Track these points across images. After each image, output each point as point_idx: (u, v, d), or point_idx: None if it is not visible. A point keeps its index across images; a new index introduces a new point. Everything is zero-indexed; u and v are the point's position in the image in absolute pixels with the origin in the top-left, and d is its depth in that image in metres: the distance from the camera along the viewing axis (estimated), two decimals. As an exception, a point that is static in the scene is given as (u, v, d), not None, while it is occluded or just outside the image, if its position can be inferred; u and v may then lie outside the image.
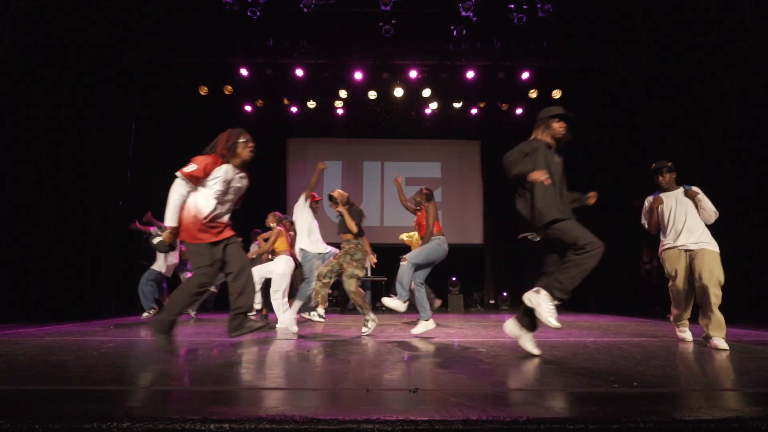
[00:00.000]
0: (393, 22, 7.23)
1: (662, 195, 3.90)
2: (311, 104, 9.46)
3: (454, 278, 9.69)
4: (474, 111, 10.01)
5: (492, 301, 10.45)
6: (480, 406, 1.70)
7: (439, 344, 3.69)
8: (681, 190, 3.84)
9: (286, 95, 9.47)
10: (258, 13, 6.78)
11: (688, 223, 3.69)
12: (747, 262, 5.83)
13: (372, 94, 9.18)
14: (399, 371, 2.46)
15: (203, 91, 8.82)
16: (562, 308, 10.36)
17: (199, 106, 9.47)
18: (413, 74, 8.71)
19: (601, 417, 1.51)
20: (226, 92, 8.93)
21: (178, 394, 1.94)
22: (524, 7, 6.93)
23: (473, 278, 10.34)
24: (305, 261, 5.14)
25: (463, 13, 6.78)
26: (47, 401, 1.78)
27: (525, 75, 8.73)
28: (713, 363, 2.76)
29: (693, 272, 3.58)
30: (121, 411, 1.58)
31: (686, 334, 3.85)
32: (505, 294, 10.08)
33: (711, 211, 3.72)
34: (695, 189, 3.79)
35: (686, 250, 3.66)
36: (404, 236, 6.68)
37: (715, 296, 3.40)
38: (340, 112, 9.96)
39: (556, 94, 9.08)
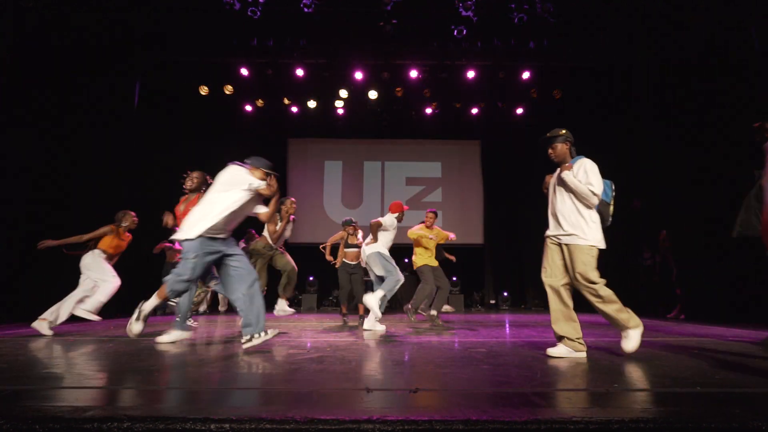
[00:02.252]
0: (393, 21, 7.22)
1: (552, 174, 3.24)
2: (312, 104, 9.47)
3: (454, 278, 9.69)
4: (474, 111, 10.01)
5: (492, 301, 10.45)
6: (480, 406, 1.70)
7: (439, 344, 3.69)
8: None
9: (286, 95, 9.47)
10: (258, 13, 6.78)
11: (560, 208, 3.04)
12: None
13: (372, 94, 9.19)
14: (399, 371, 2.46)
15: (203, 91, 8.83)
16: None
17: (200, 106, 9.48)
18: (413, 74, 8.71)
19: (601, 417, 1.51)
20: (227, 92, 8.94)
21: (178, 394, 1.94)
22: (524, 6, 6.93)
23: (473, 278, 10.34)
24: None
25: (463, 13, 6.78)
26: (47, 401, 1.78)
27: (525, 75, 8.73)
28: (712, 363, 2.75)
29: (567, 269, 2.99)
30: (121, 411, 1.58)
31: (580, 354, 2.94)
32: (505, 294, 10.07)
33: (584, 193, 2.92)
34: (567, 165, 3.07)
35: (558, 243, 3.04)
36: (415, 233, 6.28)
37: (593, 296, 2.89)
38: (340, 112, 9.96)
39: (557, 94, 9.08)
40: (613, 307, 2.90)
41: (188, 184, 4.32)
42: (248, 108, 9.81)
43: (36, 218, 6.02)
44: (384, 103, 9.67)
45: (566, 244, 2.98)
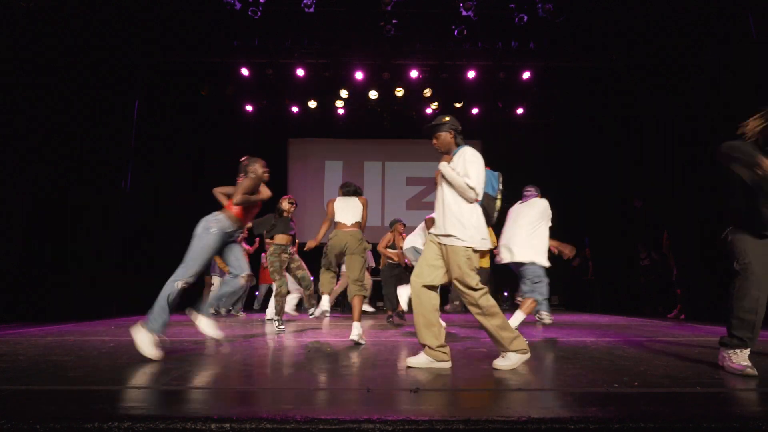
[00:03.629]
0: (394, 21, 7.22)
1: None
2: (312, 104, 9.47)
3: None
4: (475, 111, 10.01)
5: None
6: (480, 406, 1.70)
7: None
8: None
9: (286, 95, 9.48)
10: (259, 13, 6.78)
11: (441, 204, 2.71)
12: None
13: (373, 94, 9.19)
14: (399, 371, 2.46)
15: (204, 91, 8.83)
16: (562, 308, 10.40)
17: (200, 106, 9.49)
18: (414, 74, 8.71)
19: (601, 417, 1.51)
20: (229, 93, 8.96)
21: (178, 394, 1.94)
22: (525, 7, 6.93)
23: (473, 278, 10.32)
24: None
25: (464, 13, 6.78)
26: (48, 401, 1.78)
27: (526, 75, 8.72)
28: (712, 363, 2.75)
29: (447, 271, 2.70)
30: (122, 411, 1.58)
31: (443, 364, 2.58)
32: (505, 294, 10.07)
33: (461, 186, 2.59)
34: (447, 156, 2.76)
35: (438, 243, 2.70)
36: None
37: (471, 305, 2.57)
38: (340, 112, 9.96)
39: (557, 94, 9.09)
40: (493, 321, 2.50)
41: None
42: (249, 108, 9.82)
43: (36, 218, 6.03)
44: (384, 103, 9.67)
45: (444, 245, 2.63)
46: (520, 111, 9.95)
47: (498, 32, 7.91)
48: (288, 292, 5.40)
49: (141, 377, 2.27)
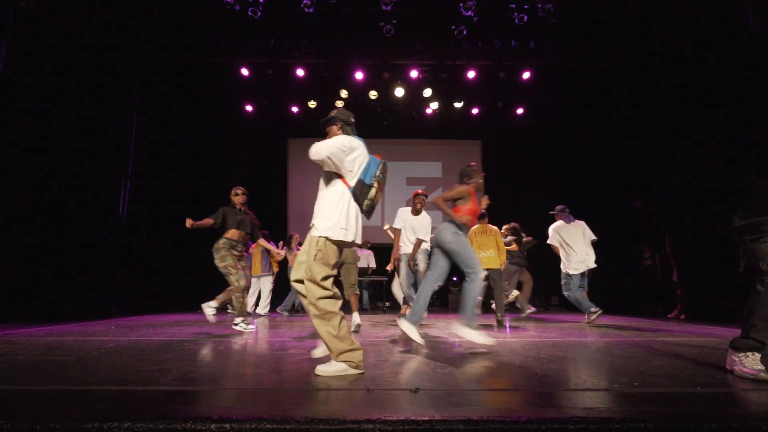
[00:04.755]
0: (394, 21, 7.22)
1: None
2: (312, 104, 9.47)
3: (454, 278, 9.69)
4: (475, 111, 10.01)
5: (492, 301, 10.44)
6: (480, 406, 1.70)
7: (439, 344, 3.69)
8: None
9: (286, 95, 9.48)
10: (259, 13, 6.78)
11: (318, 196, 2.62)
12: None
13: (373, 94, 9.19)
14: (399, 371, 2.46)
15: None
16: (562, 308, 10.37)
17: (200, 106, 9.49)
18: (414, 74, 8.71)
19: (601, 417, 1.51)
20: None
21: (178, 394, 1.94)
22: (525, 6, 6.93)
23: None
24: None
25: (464, 13, 6.78)
26: (48, 401, 1.78)
27: (526, 75, 8.73)
28: (712, 363, 2.75)
29: None
30: (122, 411, 1.58)
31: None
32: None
33: (311, 154, 2.48)
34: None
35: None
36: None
37: (309, 303, 2.38)
38: (341, 112, 9.96)
39: (557, 94, 9.09)
40: (327, 327, 2.33)
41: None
42: (249, 108, 9.82)
43: (36, 219, 6.02)
44: (384, 103, 9.67)
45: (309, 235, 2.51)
46: (520, 111, 9.95)
47: (498, 32, 7.92)
48: (248, 287, 4.74)
49: (141, 377, 2.27)
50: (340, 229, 2.42)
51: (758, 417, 1.54)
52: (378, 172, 2.58)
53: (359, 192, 2.50)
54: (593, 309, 5.56)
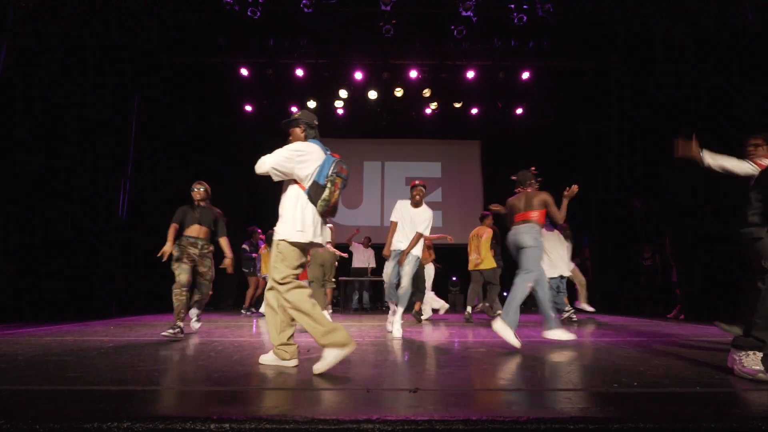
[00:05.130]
0: (393, 21, 7.22)
1: None
2: (311, 104, 9.47)
3: (454, 278, 9.70)
4: (474, 111, 10.01)
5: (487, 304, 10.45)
6: (480, 406, 1.70)
7: (439, 344, 3.69)
8: None
9: (286, 95, 9.48)
10: (258, 13, 6.78)
11: None
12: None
13: (372, 94, 9.19)
14: (399, 371, 2.46)
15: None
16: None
17: (200, 106, 9.48)
18: (413, 74, 8.71)
19: (601, 417, 1.51)
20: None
21: (177, 394, 1.94)
22: (524, 6, 6.93)
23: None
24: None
25: (463, 13, 6.78)
26: (47, 401, 1.78)
27: (525, 75, 8.73)
28: (712, 363, 2.75)
29: None
30: (121, 411, 1.58)
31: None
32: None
33: (263, 171, 2.67)
34: None
35: None
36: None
37: (278, 292, 2.54)
38: (340, 112, 9.97)
39: (557, 94, 9.09)
40: (304, 318, 2.43)
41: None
42: (248, 108, 9.82)
43: (36, 218, 6.02)
44: (384, 103, 9.68)
45: None
46: (519, 111, 9.95)
47: (497, 32, 7.91)
48: (188, 281, 4.27)
49: (141, 377, 2.27)
50: (296, 231, 2.51)
51: (758, 417, 1.54)
52: (331, 172, 2.59)
53: (314, 193, 2.57)
54: (558, 317, 5.60)
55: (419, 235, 4.75)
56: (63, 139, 6.35)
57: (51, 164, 6.22)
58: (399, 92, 9.02)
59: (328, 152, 2.70)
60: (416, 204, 4.94)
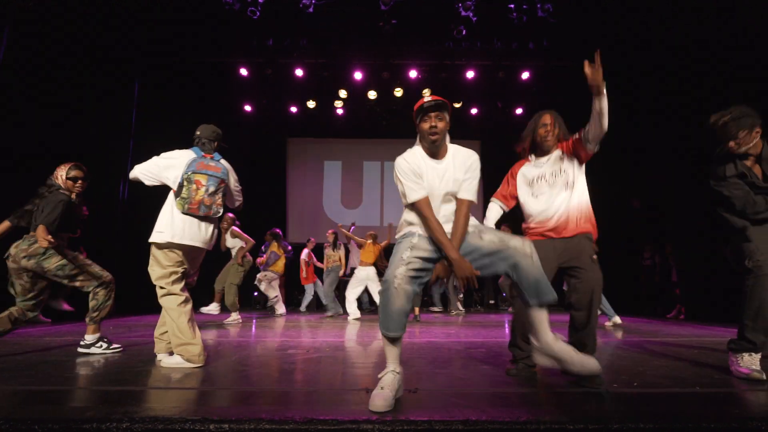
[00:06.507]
0: (393, 21, 7.22)
1: None
2: (311, 104, 9.46)
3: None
4: (474, 111, 10.00)
5: (492, 301, 10.44)
6: (480, 406, 1.70)
7: (439, 344, 3.69)
8: None
9: (286, 95, 9.48)
10: (258, 13, 6.78)
11: None
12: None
13: (372, 94, 9.18)
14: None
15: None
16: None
17: (200, 106, 9.47)
18: (413, 74, 8.70)
19: (601, 417, 1.51)
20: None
21: (177, 394, 1.94)
22: (524, 7, 6.93)
23: (473, 278, 10.37)
24: None
25: (463, 13, 6.78)
26: (48, 401, 1.78)
27: (525, 75, 8.72)
28: (712, 363, 2.75)
29: None
30: (121, 411, 1.58)
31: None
32: (504, 294, 10.07)
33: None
34: None
35: None
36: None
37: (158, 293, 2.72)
38: (340, 111, 9.96)
39: (556, 94, 9.08)
40: (171, 323, 2.57)
41: None
42: (248, 108, 9.81)
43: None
44: (383, 103, 9.67)
45: None
46: (519, 111, 9.94)
47: (497, 32, 7.91)
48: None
49: (140, 377, 2.27)
50: (157, 232, 2.65)
51: (758, 417, 1.54)
52: (188, 171, 2.68)
53: (177, 194, 2.68)
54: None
55: (467, 206, 2.34)
56: (63, 139, 6.34)
57: (51, 164, 6.21)
58: (399, 92, 9.01)
59: (202, 155, 2.78)
60: (436, 148, 2.22)
